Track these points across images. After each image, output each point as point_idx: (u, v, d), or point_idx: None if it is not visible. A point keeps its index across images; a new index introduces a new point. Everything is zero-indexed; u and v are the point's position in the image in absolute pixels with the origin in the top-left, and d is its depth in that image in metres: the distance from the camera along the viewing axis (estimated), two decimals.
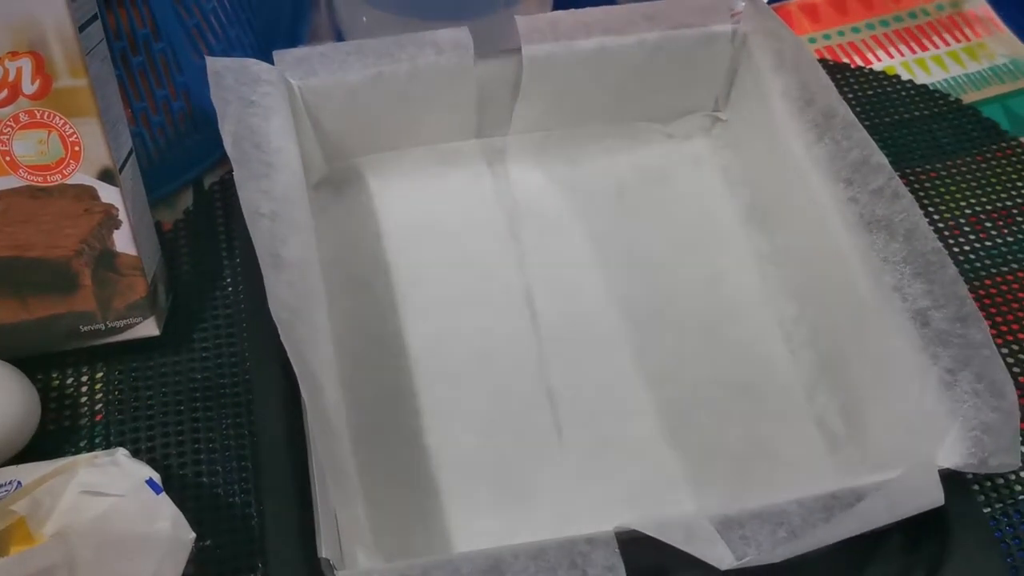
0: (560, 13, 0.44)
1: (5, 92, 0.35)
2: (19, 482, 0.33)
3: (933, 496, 0.31)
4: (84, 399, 0.40)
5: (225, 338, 0.42)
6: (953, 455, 0.32)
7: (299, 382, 0.31)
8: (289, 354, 0.32)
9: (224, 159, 0.47)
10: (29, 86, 0.35)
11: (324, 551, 0.30)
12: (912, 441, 0.34)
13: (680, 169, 0.46)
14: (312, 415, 0.31)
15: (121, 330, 0.40)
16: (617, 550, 0.29)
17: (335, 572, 0.30)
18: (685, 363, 0.40)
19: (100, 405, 0.40)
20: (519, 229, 0.44)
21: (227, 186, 0.47)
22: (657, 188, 0.46)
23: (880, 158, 0.37)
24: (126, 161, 0.38)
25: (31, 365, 0.39)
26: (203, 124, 0.47)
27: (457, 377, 0.40)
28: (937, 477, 0.31)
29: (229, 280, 0.44)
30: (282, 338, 0.32)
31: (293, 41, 0.52)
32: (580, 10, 0.43)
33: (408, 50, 0.42)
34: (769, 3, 0.55)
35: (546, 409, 0.39)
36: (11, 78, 0.35)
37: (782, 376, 0.40)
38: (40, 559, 0.31)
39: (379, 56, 0.42)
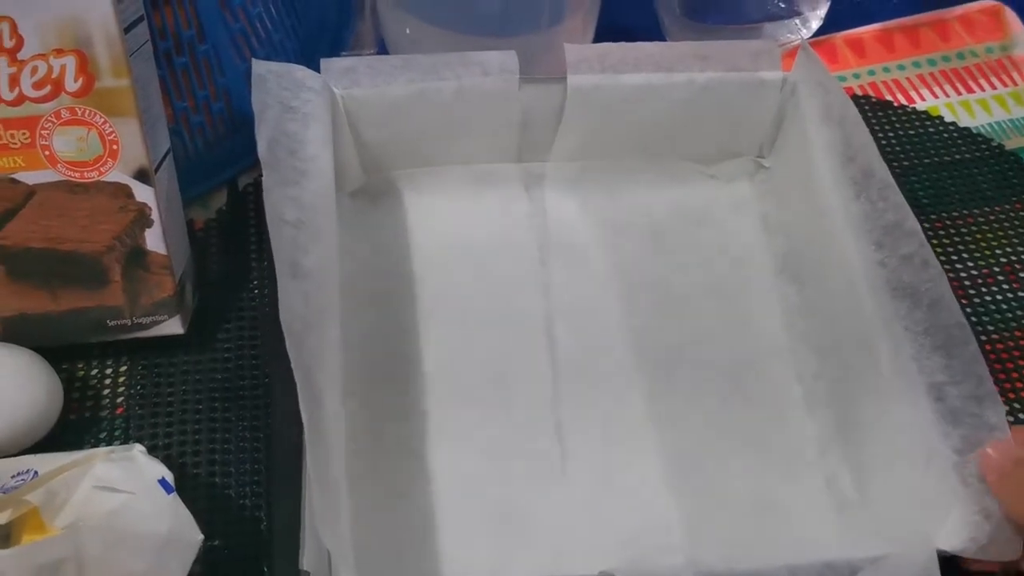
0: (610, 45, 0.43)
1: (48, 88, 0.35)
2: (35, 472, 0.34)
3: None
4: (107, 392, 0.41)
5: (248, 340, 0.42)
6: (953, 537, 0.32)
7: (299, 394, 0.31)
8: (292, 364, 0.32)
9: (260, 162, 0.47)
10: (72, 84, 0.35)
11: (305, 563, 0.30)
12: (915, 516, 0.34)
13: (719, 212, 0.46)
14: (308, 429, 0.31)
15: (147, 326, 0.40)
16: None
17: None
18: (698, 408, 0.40)
19: (122, 399, 0.41)
20: (549, 257, 0.44)
21: (261, 189, 0.47)
22: (693, 228, 0.45)
23: (914, 224, 0.37)
24: (162, 161, 0.39)
25: (57, 355, 0.39)
26: (241, 126, 0.47)
27: (468, 398, 0.40)
28: (935, 558, 0.31)
29: (256, 283, 0.44)
30: (288, 348, 0.32)
31: (336, 49, 0.52)
32: (631, 44, 0.43)
33: (455, 69, 0.42)
34: (815, 36, 0.54)
35: (553, 441, 0.39)
36: (55, 75, 0.35)
37: (796, 432, 0.39)
38: (50, 551, 0.31)
39: (425, 72, 0.42)
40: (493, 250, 0.44)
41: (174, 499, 0.33)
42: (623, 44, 0.43)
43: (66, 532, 0.32)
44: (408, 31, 0.49)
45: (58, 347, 0.40)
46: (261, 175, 0.47)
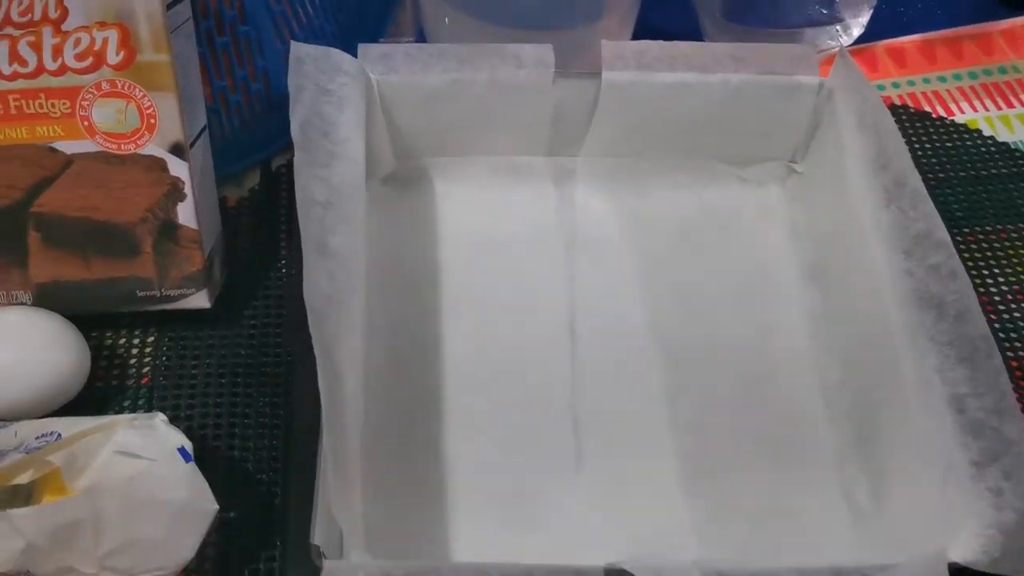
0: (647, 43, 0.43)
1: (90, 60, 0.36)
2: (59, 434, 0.34)
3: None
4: (133, 362, 0.41)
5: (273, 318, 0.43)
6: (965, 550, 0.31)
7: (318, 371, 0.32)
8: (314, 342, 0.32)
9: (289, 145, 0.48)
10: (114, 56, 0.36)
11: (316, 537, 0.30)
12: (930, 528, 0.33)
13: (748, 215, 0.45)
14: (325, 407, 0.32)
15: (175, 299, 0.41)
16: None
17: (322, 560, 0.30)
18: (717, 412, 0.40)
19: (147, 369, 0.41)
20: (575, 252, 0.44)
21: (293, 170, 0.48)
22: (722, 231, 0.45)
23: (944, 234, 0.36)
24: (198, 137, 0.39)
25: (86, 323, 0.40)
26: (278, 108, 0.47)
27: (487, 388, 0.40)
28: (945, 570, 0.31)
29: (284, 262, 0.45)
30: (310, 326, 0.32)
31: (375, 35, 0.52)
32: (669, 43, 0.43)
33: (490, 60, 0.43)
34: (856, 43, 0.54)
35: (569, 435, 0.39)
36: (97, 47, 0.36)
37: (815, 441, 0.39)
38: (68, 512, 0.32)
39: (461, 62, 0.43)
40: (520, 243, 0.44)
41: (192, 468, 0.33)
42: (660, 42, 0.43)
43: (85, 494, 0.32)
44: (447, 21, 0.49)
45: (88, 315, 0.41)
46: (294, 158, 0.48)
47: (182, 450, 0.33)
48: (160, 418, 0.36)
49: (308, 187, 0.36)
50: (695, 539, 0.36)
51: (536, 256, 0.44)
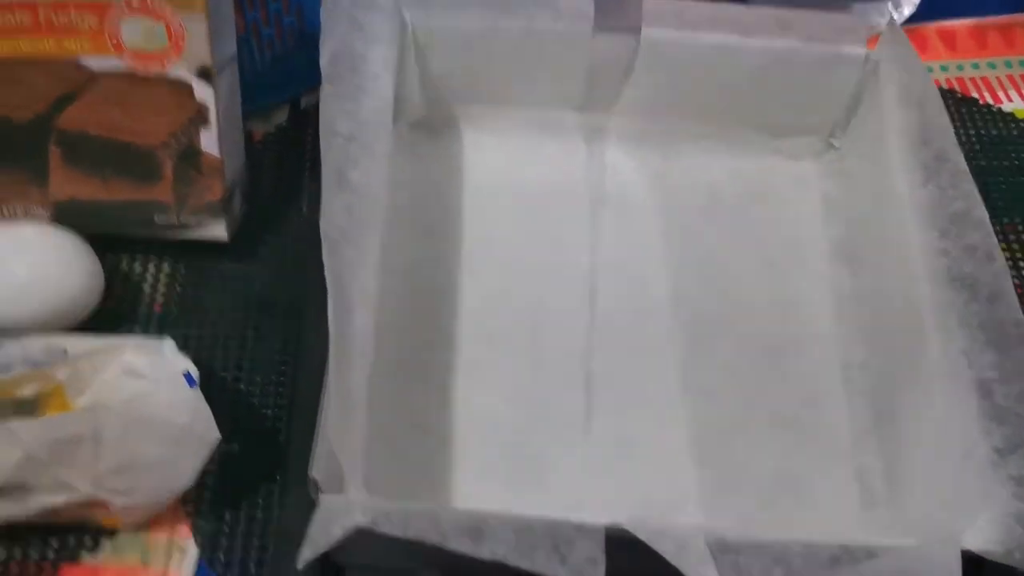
0: (691, 3, 0.42)
1: None
2: (65, 350, 0.34)
3: (948, 573, 0.29)
4: (147, 288, 0.41)
5: (290, 256, 0.42)
6: (979, 538, 0.30)
7: (328, 302, 0.31)
8: (327, 272, 0.32)
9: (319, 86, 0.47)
10: None
11: (314, 471, 0.30)
12: (944, 514, 0.32)
13: (779, 187, 0.44)
14: (334, 339, 0.31)
15: (192, 228, 0.40)
16: (603, 546, 0.29)
17: (319, 494, 0.30)
18: (733, 382, 0.39)
19: (161, 296, 0.41)
20: (600, 211, 0.43)
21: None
22: (751, 201, 0.44)
23: (982, 213, 0.35)
24: (227, 65, 0.38)
25: (102, 245, 0.40)
26: (310, 44, 0.46)
27: (500, 340, 0.39)
28: (958, 556, 0.30)
29: (305, 202, 0.44)
30: (324, 256, 0.32)
31: None
32: (713, 3, 0.42)
33: (528, 8, 0.42)
34: (906, 23, 0.52)
35: (581, 394, 0.38)
36: None
37: (832, 419, 0.38)
38: (69, 427, 0.32)
39: (498, 8, 0.42)
40: (545, 197, 0.44)
41: (196, 393, 0.33)
42: (703, 2, 0.42)
43: (86, 411, 0.32)
44: None
45: (104, 238, 0.40)
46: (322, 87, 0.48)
47: (187, 375, 0.33)
48: (168, 343, 0.35)
49: (332, 119, 0.35)
50: (701, 508, 0.36)
51: (561, 212, 0.43)
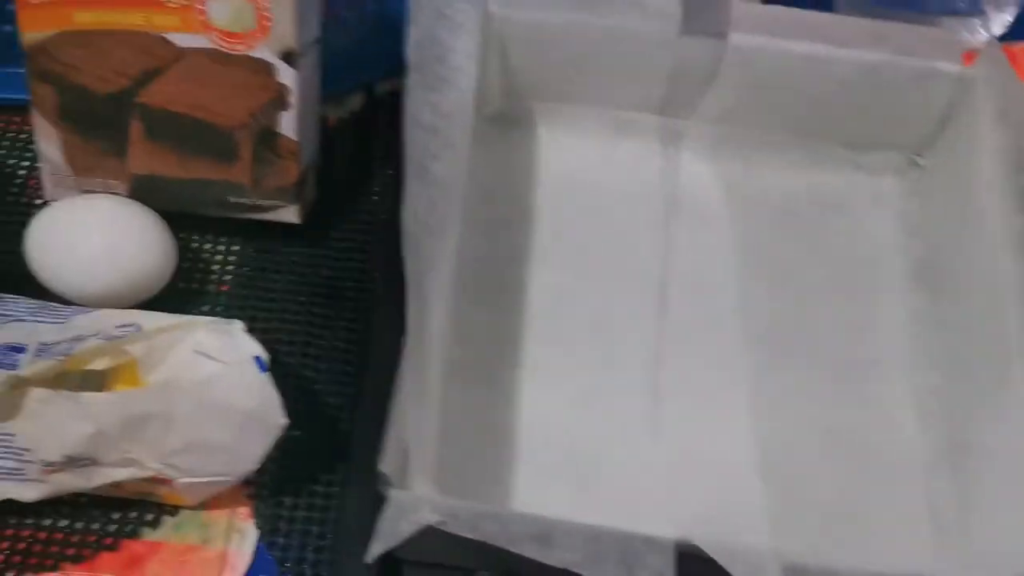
0: (782, 9, 0.41)
1: None
2: (139, 326, 0.34)
3: None
4: (215, 267, 0.41)
5: (359, 244, 0.42)
6: None
7: (407, 297, 0.31)
8: (407, 265, 0.31)
9: (400, 71, 0.47)
10: None
11: (384, 465, 0.29)
12: (1018, 551, 0.31)
13: (859, 203, 0.43)
14: (411, 334, 0.31)
15: (265, 210, 0.40)
16: (673, 561, 0.28)
17: (389, 489, 0.29)
18: (803, 401, 0.38)
19: (228, 277, 0.41)
20: (673, 217, 0.43)
21: (398, 98, 0.47)
22: (828, 216, 0.43)
23: None
24: (310, 48, 0.38)
25: (175, 223, 0.40)
26: (389, 32, 0.46)
27: (567, 341, 0.39)
28: None
29: (377, 190, 0.44)
30: (404, 250, 0.32)
31: None
32: (805, 11, 0.41)
33: (615, 5, 0.41)
34: (1001, 38, 0.51)
35: (648, 401, 0.38)
36: None
37: (904, 445, 0.37)
38: (140, 403, 0.32)
39: (583, 5, 0.41)
40: (618, 199, 0.43)
41: (265, 378, 0.33)
42: (795, 10, 0.41)
43: (158, 389, 0.32)
44: None
45: (176, 215, 0.40)
46: (400, 84, 0.47)
47: (258, 359, 0.33)
48: (238, 325, 0.35)
49: (417, 110, 0.35)
50: (764, 525, 0.35)
51: (633, 215, 0.43)
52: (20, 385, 0.32)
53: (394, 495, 0.29)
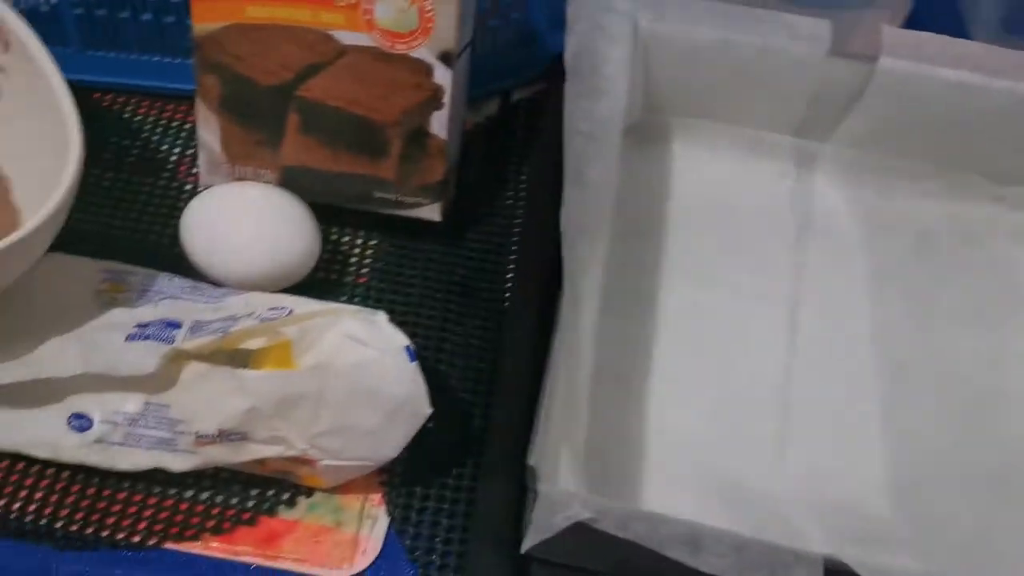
0: (930, 35, 0.41)
1: None
2: (291, 310, 0.35)
3: None
4: (353, 259, 0.42)
5: (494, 246, 0.43)
6: None
7: (563, 298, 0.31)
8: (564, 269, 0.32)
9: (536, 79, 0.48)
10: None
11: (533, 459, 0.30)
12: None
13: (998, 236, 0.43)
14: (563, 334, 0.31)
15: (408, 206, 0.41)
16: None
17: (537, 482, 0.30)
18: (933, 429, 0.38)
19: (366, 269, 0.42)
20: (805, 240, 0.43)
21: (532, 105, 0.48)
22: (965, 247, 0.43)
23: None
24: (463, 50, 0.39)
25: (318, 212, 0.41)
26: (529, 41, 0.47)
27: (699, 355, 0.39)
28: None
29: (511, 194, 0.45)
30: (564, 252, 0.32)
31: None
32: (955, 39, 0.41)
33: (763, 26, 0.41)
34: None
35: (777, 418, 0.38)
36: None
37: None
38: (297, 384, 0.33)
39: (732, 23, 0.41)
40: (749, 217, 0.43)
41: (416, 368, 0.33)
42: (945, 37, 0.41)
43: (313, 370, 0.33)
44: None
45: (321, 205, 0.41)
46: (535, 93, 0.48)
47: (408, 349, 0.34)
48: (382, 315, 0.36)
49: (574, 116, 0.35)
50: (896, 549, 0.35)
51: (765, 233, 0.43)
52: (180, 358, 0.34)
53: (546, 490, 0.29)
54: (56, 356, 0.34)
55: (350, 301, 0.41)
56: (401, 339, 0.34)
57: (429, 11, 0.37)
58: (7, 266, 0.33)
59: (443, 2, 0.37)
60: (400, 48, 0.38)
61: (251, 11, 0.38)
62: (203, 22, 0.38)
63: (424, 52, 0.38)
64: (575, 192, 0.34)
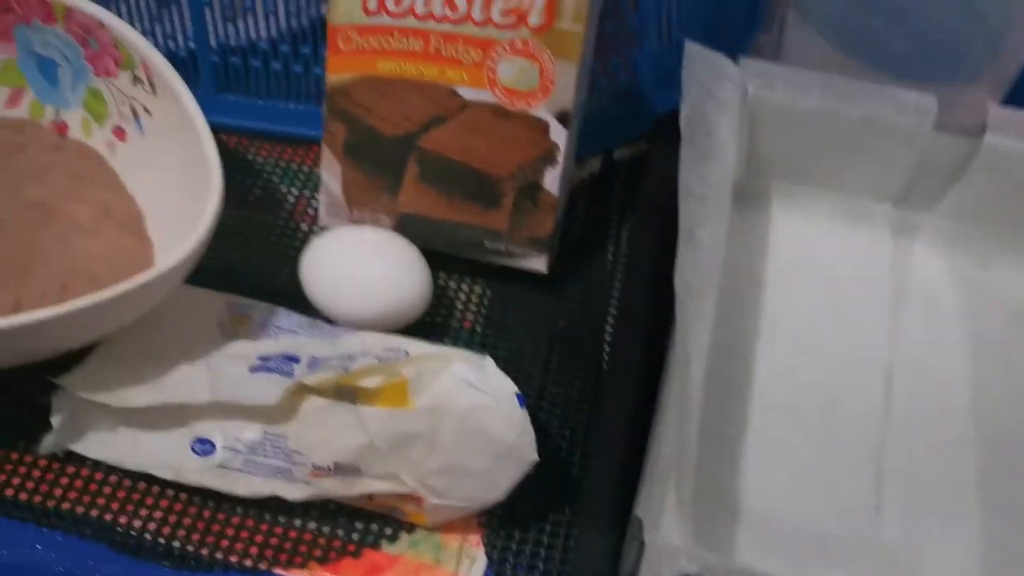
0: None
1: (513, 18, 0.38)
2: (406, 351, 0.37)
3: None
4: (459, 305, 0.43)
5: (594, 299, 0.44)
6: None
7: (672, 354, 0.32)
8: (676, 326, 0.33)
9: (638, 137, 0.49)
10: (535, 19, 0.38)
11: (640, 510, 0.31)
12: None
13: None
14: (675, 390, 0.32)
15: (516, 257, 0.42)
16: None
17: (643, 533, 0.31)
18: None
19: (471, 315, 0.43)
20: (902, 308, 0.43)
21: (633, 163, 0.49)
22: None
23: None
24: (579, 110, 0.41)
25: (428, 256, 0.42)
26: (634, 101, 0.49)
27: (790, 417, 0.40)
28: None
29: (611, 251, 0.46)
30: (676, 310, 0.33)
31: (734, 53, 0.53)
32: None
33: (869, 98, 0.42)
34: None
35: (871, 485, 0.38)
36: (523, 7, 0.38)
37: None
38: (412, 423, 0.34)
39: (840, 94, 0.43)
40: (848, 284, 0.44)
41: (524, 415, 0.35)
42: None
43: (428, 411, 0.34)
44: (815, 54, 0.49)
45: (431, 251, 0.43)
46: (637, 152, 0.50)
47: (518, 396, 0.35)
48: (489, 361, 0.37)
49: (688, 179, 0.37)
50: None
51: (861, 301, 0.43)
52: (300, 391, 0.35)
53: (654, 542, 0.30)
54: (186, 383, 0.36)
55: (455, 344, 0.42)
56: (510, 386, 0.35)
57: (551, 73, 0.39)
58: (146, 298, 0.35)
59: (564, 65, 0.39)
60: (520, 106, 0.40)
61: (382, 65, 0.40)
62: (336, 73, 0.40)
63: (542, 111, 0.39)
64: (688, 253, 0.35)
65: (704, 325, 0.35)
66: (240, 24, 0.46)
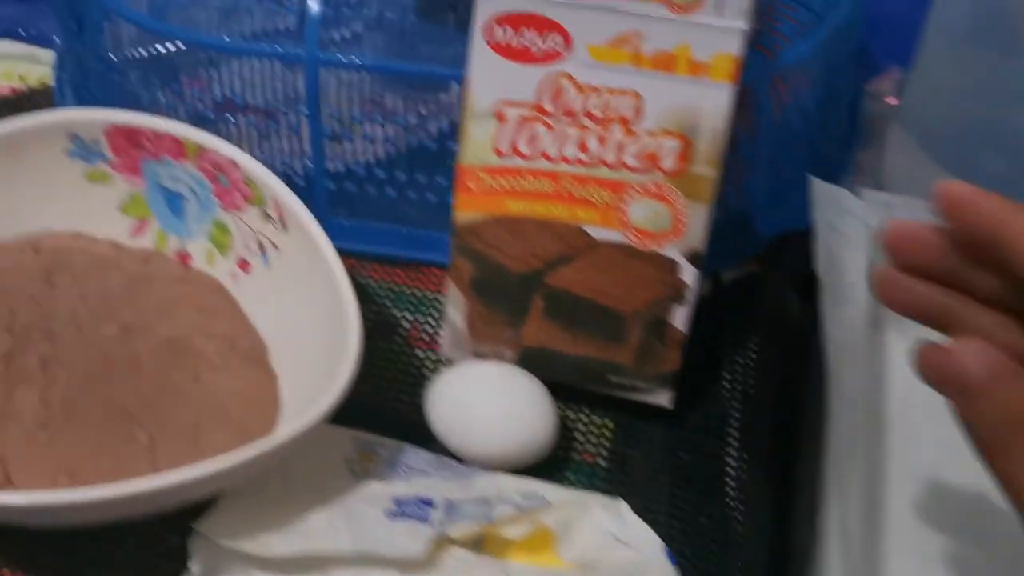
0: None
1: (647, 162, 0.39)
2: (545, 499, 0.36)
3: None
4: (580, 437, 0.43)
5: (714, 431, 0.44)
6: None
7: (825, 511, 0.32)
8: (829, 487, 0.32)
9: (743, 263, 0.50)
10: (668, 163, 0.38)
11: None
12: None
13: None
14: (826, 535, 0.32)
15: (640, 391, 0.42)
16: None
17: None
18: None
19: (591, 447, 0.43)
20: None
21: (740, 286, 0.49)
22: None
23: None
24: (707, 249, 0.41)
25: (552, 390, 0.42)
26: (741, 226, 0.49)
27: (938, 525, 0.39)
28: None
29: (728, 376, 0.46)
30: (829, 468, 0.33)
31: (833, 175, 0.53)
32: None
33: None
34: None
35: None
36: (656, 151, 0.38)
37: None
38: None
39: None
40: None
41: (676, 572, 0.34)
42: None
43: (581, 569, 0.34)
44: (921, 174, 0.49)
45: (552, 384, 0.43)
46: (743, 275, 0.50)
47: (668, 552, 0.34)
48: (625, 506, 0.37)
49: (829, 325, 0.37)
50: None
51: None
52: (445, 543, 0.35)
53: None
54: (325, 530, 0.36)
55: (577, 479, 0.42)
56: (654, 538, 0.35)
57: (682, 214, 0.39)
58: (293, 448, 0.35)
59: (696, 207, 0.39)
60: (650, 246, 0.40)
61: (511, 205, 0.40)
62: (465, 211, 0.41)
63: (673, 251, 0.40)
64: (839, 405, 0.35)
65: (857, 484, 0.35)
66: (352, 147, 0.47)
